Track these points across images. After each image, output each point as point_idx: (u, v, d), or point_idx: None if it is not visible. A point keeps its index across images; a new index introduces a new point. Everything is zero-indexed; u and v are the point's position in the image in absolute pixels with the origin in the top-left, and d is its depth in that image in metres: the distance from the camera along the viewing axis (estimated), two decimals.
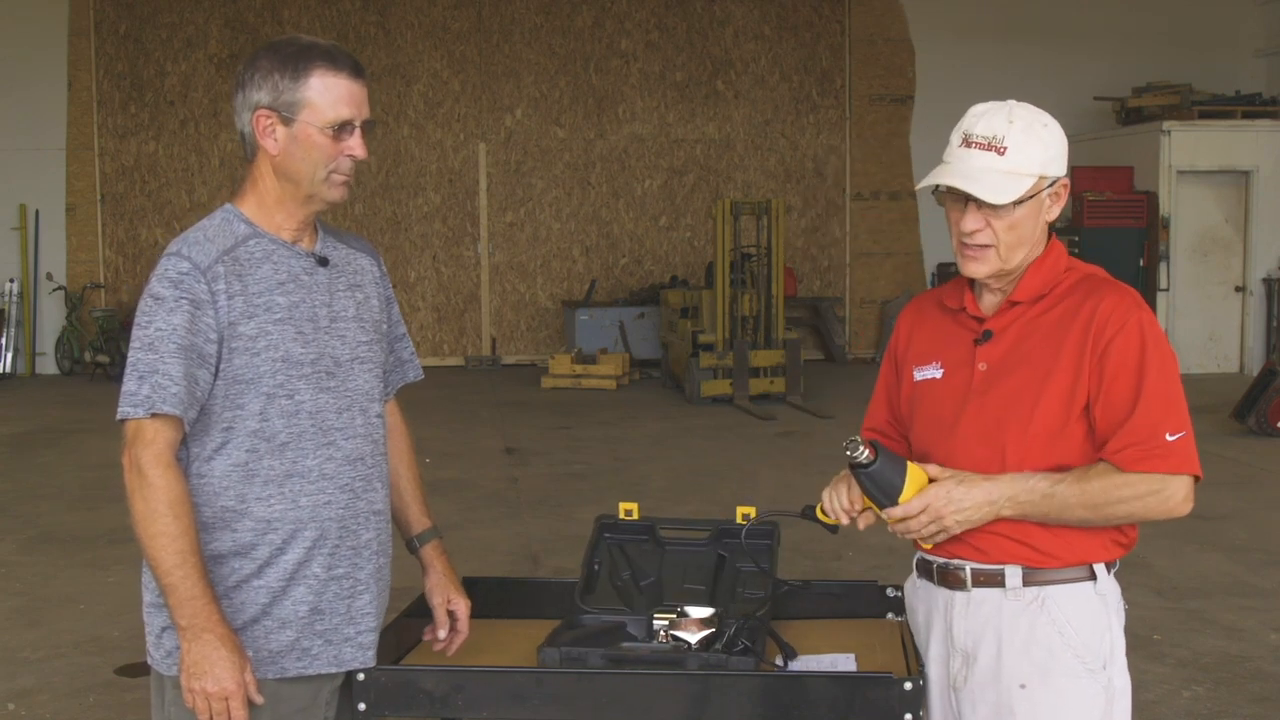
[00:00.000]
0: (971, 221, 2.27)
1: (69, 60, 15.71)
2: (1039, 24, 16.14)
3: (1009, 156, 2.24)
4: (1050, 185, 2.30)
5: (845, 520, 2.40)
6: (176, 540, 2.20)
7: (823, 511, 2.42)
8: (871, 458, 2.24)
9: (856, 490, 2.34)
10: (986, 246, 2.28)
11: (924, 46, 16.39)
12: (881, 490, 2.27)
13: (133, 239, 15.98)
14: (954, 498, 2.23)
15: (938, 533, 2.27)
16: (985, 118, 2.28)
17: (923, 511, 2.24)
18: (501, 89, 16.26)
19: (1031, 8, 16.21)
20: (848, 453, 2.25)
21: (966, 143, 2.27)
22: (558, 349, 15.39)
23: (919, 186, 2.34)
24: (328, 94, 2.29)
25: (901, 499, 2.27)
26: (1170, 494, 2.21)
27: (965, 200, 2.27)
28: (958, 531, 2.26)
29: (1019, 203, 2.26)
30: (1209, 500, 8.18)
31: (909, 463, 2.29)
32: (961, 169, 2.26)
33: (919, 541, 2.32)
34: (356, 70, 2.33)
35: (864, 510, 2.37)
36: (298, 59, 2.30)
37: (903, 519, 2.26)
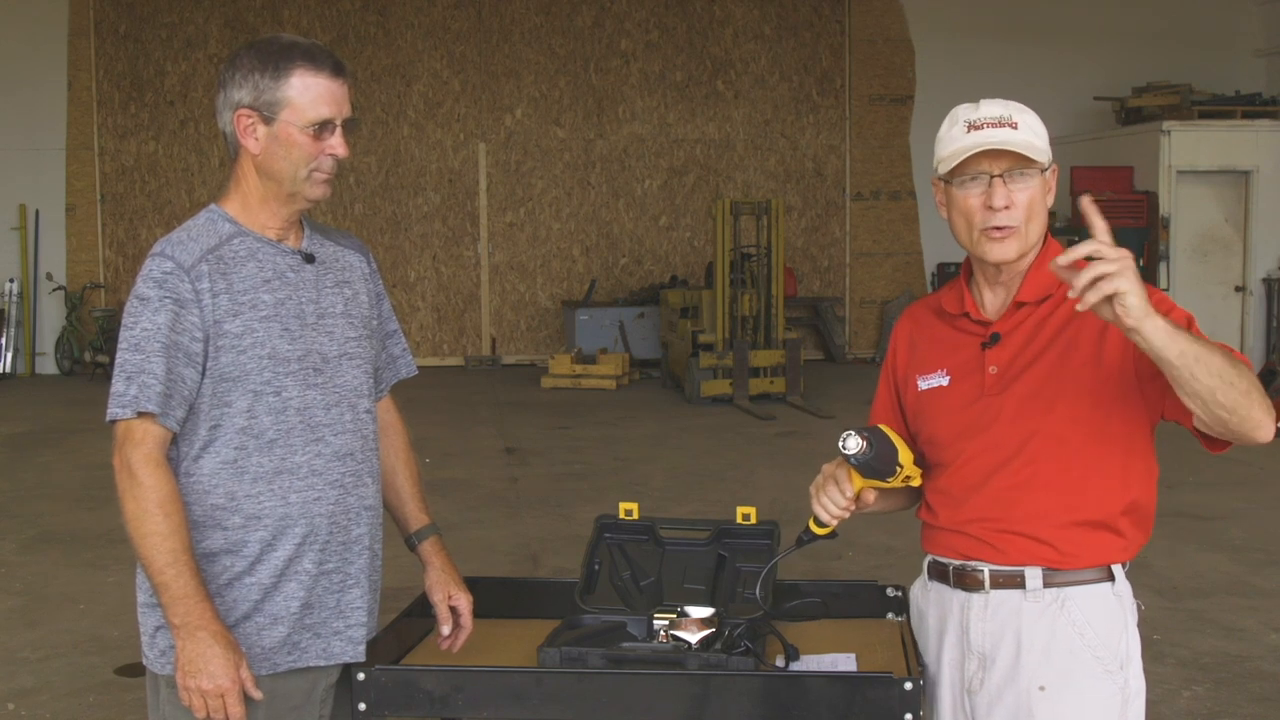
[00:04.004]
0: (1001, 196, 2.25)
1: (69, 60, 15.71)
2: (1039, 24, 16.14)
3: (1022, 131, 2.25)
4: (1049, 166, 2.31)
5: (846, 516, 2.36)
6: (168, 539, 2.20)
7: (817, 524, 2.38)
8: (865, 447, 2.23)
9: (846, 487, 2.31)
10: (1014, 227, 2.27)
11: (924, 46, 16.40)
12: (883, 463, 2.27)
13: (133, 239, 15.98)
14: (1129, 261, 1.91)
15: (1101, 283, 1.90)
16: (982, 106, 2.28)
17: (1118, 255, 1.90)
18: (501, 89, 16.26)
19: (1031, 8, 16.21)
20: (848, 451, 2.23)
21: (974, 127, 2.26)
22: (558, 349, 15.39)
23: (953, 152, 2.25)
24: (308, 93, 2.30)
25: (901, 459, 2.27)
26: (1266, 402, 2.05)
27: (989, 180, 2.25)
28: (1128, 302, 1.90)
29: (1044, 170, 2.27)
30: (1209, 500, 8.19)
31: (880, 426, 2.30)
32: (990, 139, 2.24)
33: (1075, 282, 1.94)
34: (337, 69, 2.33)
35: (860, 492, 2.33)
36: (278, 58, 2.30)
37: (1098, 249, 1.92)
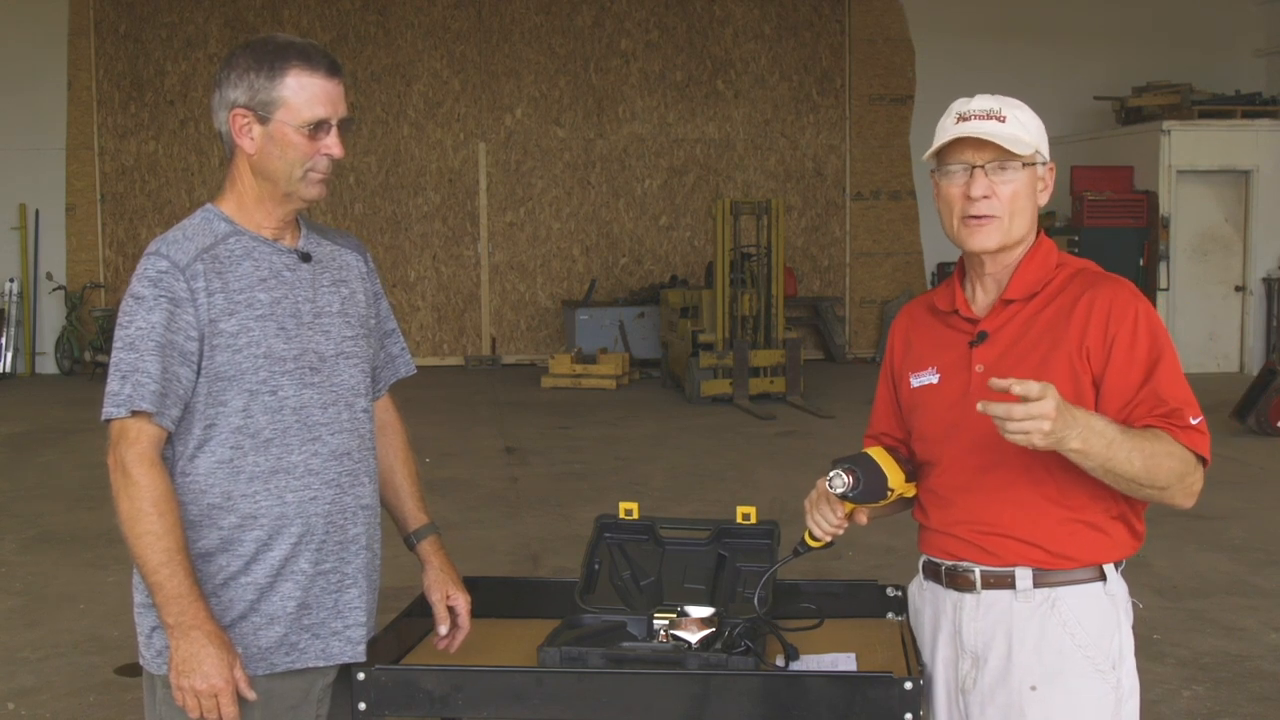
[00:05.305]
0: (980, 186, 2.27)
1: (69, 60, 15.71)
2: (1039, 24, 16.14)
3: (1009, 125, 2.27)
4: (1043, 163, 2.33)
5: (840, 533, 2.41)
6: (162, 539, 2.20)
7: (811, 538, 2.43)
8: (853, 484, 2.28)
9: (839, 507, 2.37)
10: (993, 216, 2.28)
11: (924, 46, 16.40)
12: (872, 493, 2.32)
13: (133, 239, 15.98)
14: (1063, 405, 2.04)
15: (1023, 433, 2.04)
16: (975, 100, 2.31)
17: (1041, 399, 2.02)
18: (501, 89, 16.26)
19: (1031, 8, 16.21)
20: (835, 490, 2.30)
21: (963, 119, 2.29)
22: (558, 349, 15.39)
23: (938, 141, 2.31)
24: (303, 93, 2.30)
25: (891, 483, 2.31)
26: (1195, 480, 2.20)
27: (970, 170, 2.28)
28: (1040, 444, 2.05)
29: (1027, 164, 2.28)
30: (1209, 500, 8.11)
31: (868, 452, 2.34)
32: (971, 129, 2.27)
33: (997, 418, 2.08)
34: (333, 69, 2.34)
35: (851, 512, 2.39)
36: (274, 58, 2.30)
37: (1023, 395, 2.03)
